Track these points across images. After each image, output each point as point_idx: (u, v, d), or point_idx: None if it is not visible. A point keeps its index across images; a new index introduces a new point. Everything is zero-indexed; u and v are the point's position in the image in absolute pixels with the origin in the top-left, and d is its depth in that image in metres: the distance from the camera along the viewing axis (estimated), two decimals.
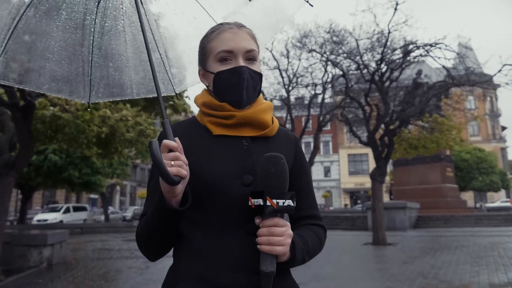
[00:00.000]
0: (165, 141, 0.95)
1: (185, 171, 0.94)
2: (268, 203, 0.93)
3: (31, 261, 8.17)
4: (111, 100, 1.63)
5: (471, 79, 11.80)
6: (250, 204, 0.98)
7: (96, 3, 1.50)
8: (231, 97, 1.11)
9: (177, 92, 1.69)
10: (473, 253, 9.47)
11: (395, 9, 10.88)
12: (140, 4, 1.23)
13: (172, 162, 0.92)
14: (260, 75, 1.15)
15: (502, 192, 44.31)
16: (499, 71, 11.08)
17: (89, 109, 8.67)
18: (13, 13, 1.38)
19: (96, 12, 1.50)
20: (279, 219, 0.97)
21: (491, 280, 6.38)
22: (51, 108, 8.84)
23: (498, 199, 41.37)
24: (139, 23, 1.18)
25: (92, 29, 1.51)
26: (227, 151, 1.10)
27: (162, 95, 1.56)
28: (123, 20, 1.55)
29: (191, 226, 1.05)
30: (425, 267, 7.71)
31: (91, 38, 1.51)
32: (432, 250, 10.36)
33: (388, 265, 8.32)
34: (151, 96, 1.62)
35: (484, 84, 12.15)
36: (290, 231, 0.99)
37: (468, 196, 43.64)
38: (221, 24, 1.17)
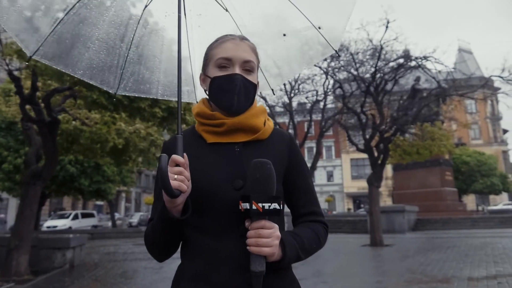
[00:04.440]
0: (174, 156, 1.03)
1: (185, 186, 1.01)
2: (254, 207, 1.00)
3: (56, 263, 8.97)
4: (136, 95, 1.71)
5: (458, 87, 12.56)
6: (240, 208, 1.04)
7: (144, 6, 1.63)
8: (223, 101, 1.18)
9: (198, 101, 1.69)
10: (462, 252, 10.18)
11: (386, 27, 11.78)
12: (182, 12, 1.36)
13: (176, 176, 1.00)
14: (254, 85, 1.21)
15: (504, 195, 44.69)
16: (486, 82, 11.83)
17: (106, 124, 9.51)
18: (67, 1, 1.51)
19: (142, 14, 1.63)
20: (265, 222, 1.02)
21: (471, 274, 7.11)
22: (73, 122, 9.68)
23: (500, 202, 41.78)
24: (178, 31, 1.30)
25: (135, 28, 1.62)
26: (219, 157, 1.16)
27: (186, 101, 1.75)
28: (164, 25, 1.67)
29: (192, 229, 1.13)
30: (415, 264, 8.46)
31: (132, 35, 1.62)
32: (425, 250, 11.10)
33: (381, 263, 9.08)
34: (174, 99, 1.69)
35: (471, 93, 12.93)
36: (278, 233, 1.04)
37: (470, 199, 44.18)
38: (226, 35, 1.25)
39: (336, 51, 1.55)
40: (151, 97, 1.73)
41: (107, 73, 1.61)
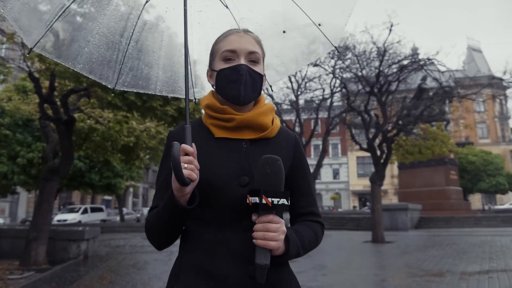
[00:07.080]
0: (184, 145, 1.04)
1: (195, 175, 1.03)
2: (263, 201, 1.01)
3: (71, 254, 9.47)
4: (134, 91, 1.68)
5: (464, 87, 12.84)
6: (248, 201, 1.05)
7: (145, 0, 1.61)
8: (230, 92, 1.18)
9: (196, 98, 1.77)
10: (460, 250, 10.52)
11: (390, 30, 12.08)
12: (187, 6, 1.34)
13: (186, 165, 1.01)
14: (261, 76, 1.22)
15: (511, 195, 44.58)
16: (489, 83, 12.09)
17: (118, 123, 9.98)
18: None
19: (142, 9, 1.61)
20: (273, 216, 1.04)
21: (465, 269, 7.46)
22: (88, 121, 10.17)
23: (507, 202, 41.77)
24: (179, 27, 1.29)
25: (135, 23, 1.60)
26: (226, 153, 1.17)
27: (183, 96, 1.64)
28: (164, 21, 1.66)
29: (195, 222, 1.15)
30: (412, 260, 8.83)
31: (132, 30, 1.60)
32: (424, 247, 11.44)
33: (380, 259, 9.45)
34: (171, 95, 1.72)
35: (475, 94, 13.20)
36: (284, 228, 1.05)
37: (476, 199, 44.24)
38: (230, 29, 1.26)
39: (335, 47, 1.54)
40: (149, 92, 1.72)
41: (106, 68, 1.61)
